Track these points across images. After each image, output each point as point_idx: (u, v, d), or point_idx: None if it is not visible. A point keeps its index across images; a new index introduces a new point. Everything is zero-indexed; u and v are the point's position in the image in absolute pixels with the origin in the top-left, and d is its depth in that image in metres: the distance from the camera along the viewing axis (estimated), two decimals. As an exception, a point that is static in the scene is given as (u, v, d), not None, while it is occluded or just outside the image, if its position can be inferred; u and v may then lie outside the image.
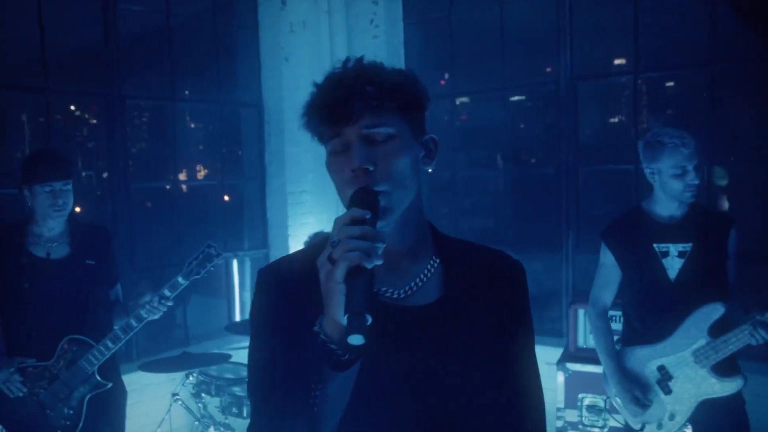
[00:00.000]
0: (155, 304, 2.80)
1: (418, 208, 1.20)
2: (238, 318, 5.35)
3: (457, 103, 5.29)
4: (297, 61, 5.23)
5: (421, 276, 1.18)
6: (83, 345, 2.79)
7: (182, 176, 5.19)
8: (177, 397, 3.82)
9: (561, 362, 3.76)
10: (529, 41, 4.89)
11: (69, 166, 2.79)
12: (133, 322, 2.81)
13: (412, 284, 1.17)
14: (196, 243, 4.73)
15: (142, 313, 2.81)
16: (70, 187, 2.76)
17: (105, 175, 4.50)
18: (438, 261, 1.21)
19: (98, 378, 2.79)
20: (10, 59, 3.92)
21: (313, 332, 0.97)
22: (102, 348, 2.77)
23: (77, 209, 3.56)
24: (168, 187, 4.99)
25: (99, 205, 4.54)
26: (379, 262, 0.92)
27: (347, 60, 1.14)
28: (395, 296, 1.16)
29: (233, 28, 5.35)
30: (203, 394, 3.86)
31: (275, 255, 5.04)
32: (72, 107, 4.85)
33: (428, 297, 1.16)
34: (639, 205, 2.82)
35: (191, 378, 3.83)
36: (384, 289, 1.16)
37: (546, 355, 4.50)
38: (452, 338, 1.13)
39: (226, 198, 5.39)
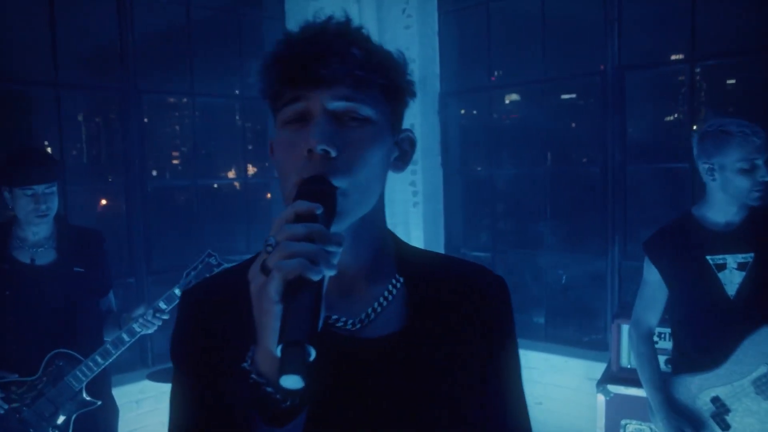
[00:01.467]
0: (149, 318, 2.57)
1: (379, 216, 0.99)
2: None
3: (507, 101, 4.96)
4: (325, 53, 4.96)
5: (381, 300, 0.97)
6: (71, 360, 2.58)
7: (208, 175, 5.00)
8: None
9: (602, 383, 3.39)
10: (572, 30, 4.58)
11: (53, 167, 2.57)
12: (125, 337, 2.58)
13: (370, 311, 0.96)
14: (218, 245, 4.55)
15: (135, 326, 2.58)
16: (54, 189, 2.56)
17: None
18: (401, 281, 0.99)
19: (86, 396, 2.58)
20: (17, 53, 3.77)
21: (242, 370, 0.75)
22: (91, 363, 2.56)
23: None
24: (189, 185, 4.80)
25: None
26: (331, 272, 0.72)
27: (330, 17, 0.91)
28: (348, 326, 0.94)
29: (258, 19, 5.15)
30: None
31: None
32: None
33: (389, 326, 0.95)
34: (689, 211, 2.45)
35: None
36: (334, 317, 0.94)
37: (586, 370, 4.19)
38: (420, 378, 0.92)
39: (249, 197, 5.19)
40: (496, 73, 4.95)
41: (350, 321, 0.94)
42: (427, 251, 1.09)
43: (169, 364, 3.45)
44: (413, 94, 0.97)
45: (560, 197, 4.72)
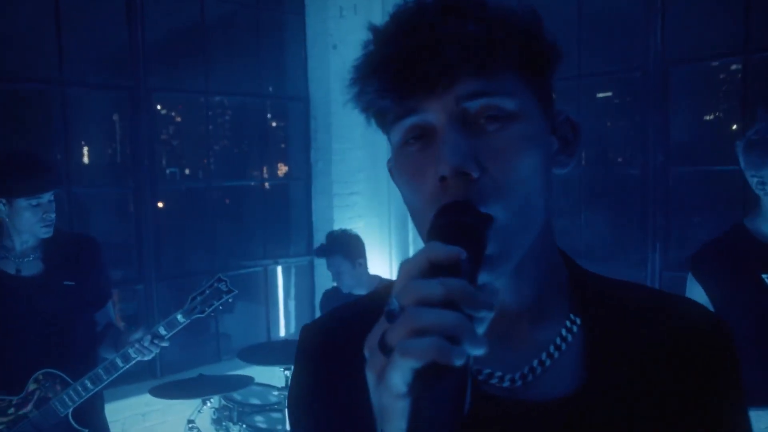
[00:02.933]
0: (146, 344, 2.36)
1: (548, 238, 0.76)
2: (282, 333, 4.94)
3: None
4: (346, 48, 4.78)
5: (551, 349, 0.74)
6: (58, 381, 2.36)
7: (218, 175, 4.82)
8: (193, 425, 3.39)
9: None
10: (611, 23, 4.31)
11: (54, 173, 2.42)
12: (119, 362, 2.37)
13: (536, 363, 0.73)
14: (233, 248, 4.35)
15: (131, 352, 2.37)
16: (53, 197, 2.38)
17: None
18: (579, 322, 0.76)
19: (72, 423, 2.36)
20: (23, 52, 3.62)
21: None
22: (79, 388, 2.34)
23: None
24: (202, 187, 4.63)
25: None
26: (479, 352, 0.49)
27: None
28: (506, 383, 0.72)
29: (277, 14, 4.96)
30: (225, 422, 3.43)
31: (320, 263, 4.59)
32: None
33: (562, 384, 0.72)
34: (741, 223, 2.20)
35: (209, 404, 3.39)
36: (486, 371, 0.72)
37: None
38: None
39: (268, 199, 5.01)
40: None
41: (508, 376, 0.72)
42: (616, 280, 0.83)
43: (178, 377, 3.21)
44: (559, 55, 0.72)
45: (595, 201, 4.47)
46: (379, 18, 4.56)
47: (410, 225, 4.83)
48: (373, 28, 0.68)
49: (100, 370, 2.36)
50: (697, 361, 0.74)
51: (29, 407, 2.34)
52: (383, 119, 0.70)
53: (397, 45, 0.65)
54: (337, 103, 4.77)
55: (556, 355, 0.73)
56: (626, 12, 4.14)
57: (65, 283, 2.41)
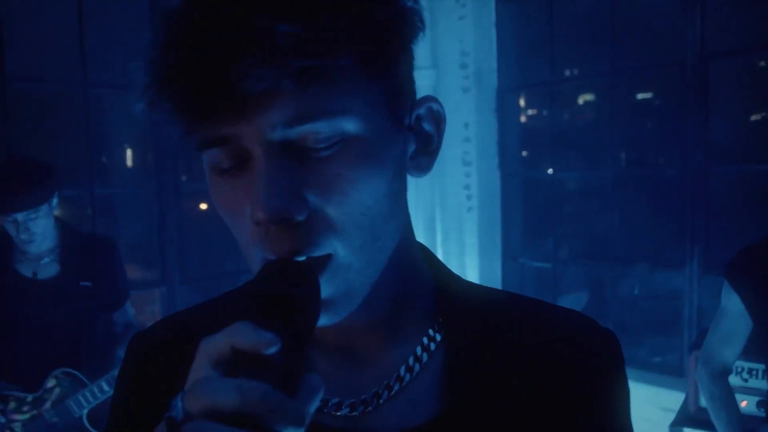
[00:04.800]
0: None
1: (404, 252, 0.64)
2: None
3: (576, 98, 4.54)
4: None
5: (402, 371, 0.63)
6: (75, 381, 2.36)
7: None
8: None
9: (677, 425, 2.92)
10: (647, 16, 4.11)
11: (38, 189, 2.28)
12: None
13: (382, 388, 0.62)
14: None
15: None
16: (41, 212, 2.29)
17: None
18: (438, 339, 0.65)
19: (87, 425, 2.33)
20: (46, 50, 3.62)
21: None
22: (95, 390, 2.33)
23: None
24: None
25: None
26: None
27: None
28: (344, 412, 0.61)
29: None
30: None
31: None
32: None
33: (417, 412, 0.61)
34: None
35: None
36: (323, 398, 0.62)
37: (657, 397, 3.77)
38: None
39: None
40: (559, 67, 4.52)
41: (348, 402, 0.62)
42: (489, 289, 0.72)
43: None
44: (421, 27, 0.57)
45: (632, 202, 4.27)
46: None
47: (438, 227, 4.73)
48: (160, 16, 0.52)
49: (116, 372, 2.32)
50: (574, 378, 0.64)
51: (47, 405, 2.33)
52: (187, 139, 0.54)
53: (190, 50, 0.49)
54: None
55: (407, 377, 0.62)
56: (662, 4, 3.96)
57: (81, 283, 2.42)
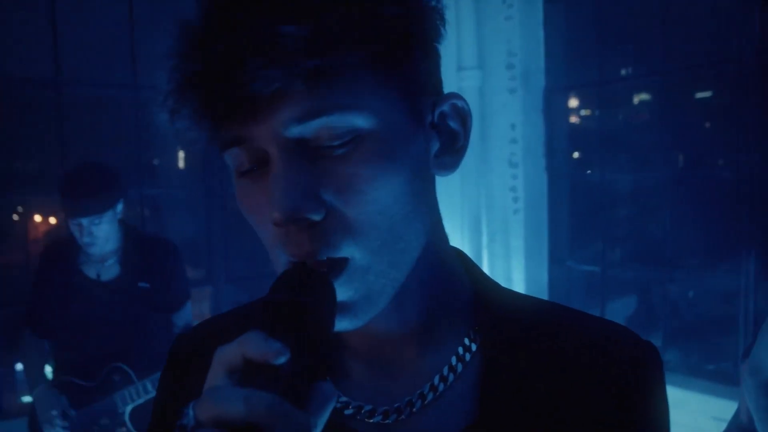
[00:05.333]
0: None
1: (437, 256, 0.63)
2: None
3: (631, 97, 4.46)
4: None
5: (436, 380, 0.62)
6: (125, 378, 2.44)
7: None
8: None
9: (733, 435, 2.82)
10: (701, 13, 3.99)
11: (103, 196, 2.36)
12: None
13: (415, 396, 0.61)
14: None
15: None
16: (105, 218, 2.37)
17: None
18: (474, 349, 0.64)
19: (128, 422, 2.38)
20: (97, 55, 3.71)
21: None
22: (140, 388, 2.39)
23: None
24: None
25: None
26: None
27: None
28: (377, 419, 0.61)
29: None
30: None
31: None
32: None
33: (447, 422, 0.61)
34: None
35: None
36: (355, 404, 0.62)
37: (709, 406, 3.67)
38: None
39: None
40: (609, 66, 4.44)
41: (381, 410, 0.61)
42: (530, 298, 0.70)
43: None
44: (434, 27, 0.56)
45: (685, 204, 4.17)
46: (453, 17, 4.46)
47: (484, 229, 4.69)
48: (179, 25, 0.53)
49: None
50: (612, 390, 0.62)
51: (98, 395, 2.44)
52: (211, 142, 0.56)
53: (202, 57, 0.51)
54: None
55: (441, 387, 0.62)
56: (718, 3, 3.86)
57: (140, 285, 2.49)
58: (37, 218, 4.16)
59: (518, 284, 4.57)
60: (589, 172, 4.58)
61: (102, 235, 2.39)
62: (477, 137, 4.63)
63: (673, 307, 4.25)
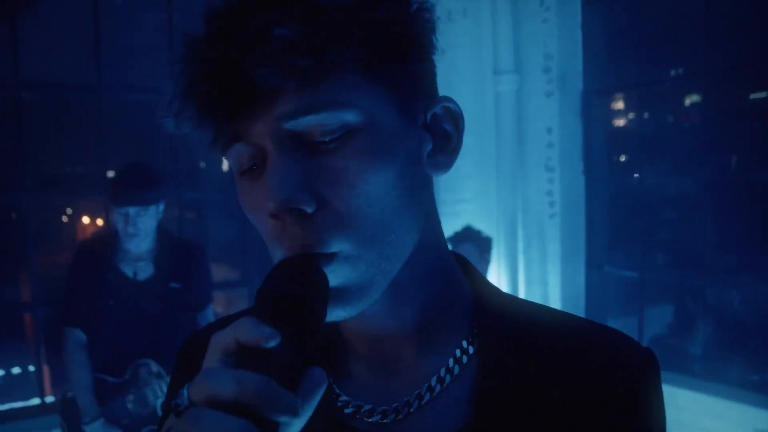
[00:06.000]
0: None
1: (433, 250, 0.66)
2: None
3: (683, 99, 4.39)
4: (454, 53, 4.65)
5: (433, 381, 0.64)
6: (152, 373, 2.60)
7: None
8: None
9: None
10: (746, 12, 3.88)
11: (150, 190, 2.57)
12: None
13: (413, 397, 0.64)
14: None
15: None
16: (149, 212, 2.55)
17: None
18: (471, 351, 0.66)
19: (160, 414, 2.47)
20: (136, 61, 3.80)
21: None
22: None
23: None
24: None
25: None
26: None
27: None
28: (375, 419, 0.64)
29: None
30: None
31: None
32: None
33: (443, 423, 0.63)
34: None
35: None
36: (355, 404, 0.65)
37: (753, 419, 3.59)
38: None
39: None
40: (649, 68, 4.36)
41: (380, 409, 0.64)
42: (530, 303, 0.72)
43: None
44: (425, 30, 0.59)
45: (730, 209, 4.06)
46: (489, 20, 4.44)
47: (519, 233, 4.65)
48: (184, 35, 0.58)
49: None
50: (609, 396, 0.63)
51: (129, 390, 2.57)
52: (214, 142, 0.59)
53: (202, 61, 0.55)
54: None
55: (438, 388, 0.64)
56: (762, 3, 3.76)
57: (172, 285, 2.64)
58: (85, 220, 4.28)
59: (554, 289, 4.52)
60: (636, 176, 4.50)
61: (144, 228, 2.54)
62: (513, 141, 4.60)
63: (714, 315, 4.15)
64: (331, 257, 0.56)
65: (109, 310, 2.57)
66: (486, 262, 3.71)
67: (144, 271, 2.64)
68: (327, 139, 0.55)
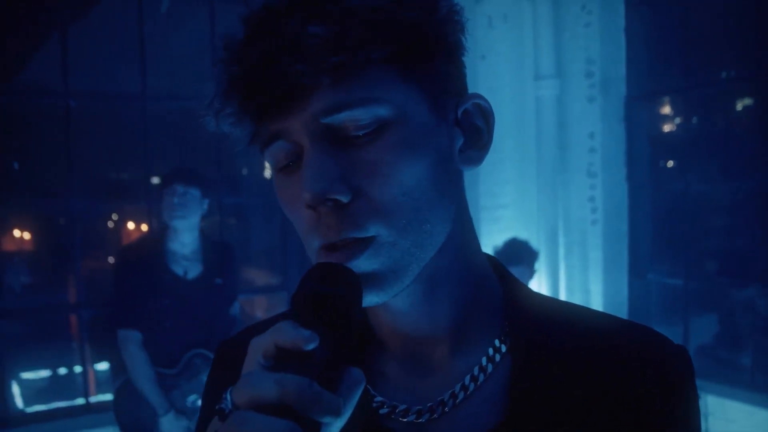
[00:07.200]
0: None
1: (466, 247, 0.67)
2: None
3: (738, 104, 4.29)
4: (495, 58, 4.63)
5: (467, 381, 0.65)
6: (206, 361, 2.77)
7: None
8: None
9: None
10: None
11: (197, 175, 2.84)
12: None
13: (447, 396, 0.64)
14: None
15: None
16: (195, 193, 2.76)
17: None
18: (504, 350, 0.67)
19: None
20: (180, 69, 3.86)
21: None
22: None
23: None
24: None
25: None
26: None
27: None
28: (411, 419, 0.65)
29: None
30: None
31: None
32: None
33: (478, 421, 0.63)
34: None
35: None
36: (390, 403, 0.66)
37: None
38: None
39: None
40: (695, 72, 4.27)
41: (415, 409, 0.65)
42: (562, 302, 0.73)
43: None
44: (461, 29, 0.62)
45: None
46: (530, 25, 4.40)
47: (560, 240, 4.59)
48: (224, 38, 0.59)
49: None
50: (641, 393, 0.63)
51: (182, 380, 2.77)
52: (253, 140, 0.62)
53: (241, 61, 0.57)
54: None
55: (472, 387, 0.65)
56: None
57: (216, 281, 2.89)
58: (130, 225, 4.38)
59: (596, 297, 4.45)
60: (685, 182, 4.40)
61: (189, 211, 2.73)
62: (555, 146, 4.54)
63: (764, 325, 4.02)
64: (369, 242, 0.57)
65: (163, 308, 2.75)
66: (533, 272, 3.66)
67: (192, 269, 2.84)
68: (361, 133, 0.58)
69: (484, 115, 0.66)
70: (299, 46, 0.54)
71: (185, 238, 2.81)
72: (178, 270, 2.83)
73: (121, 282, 2.79)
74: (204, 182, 2.82)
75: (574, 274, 4.56)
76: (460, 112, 0.64)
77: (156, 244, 2.83)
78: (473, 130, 0.66)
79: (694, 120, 4.41)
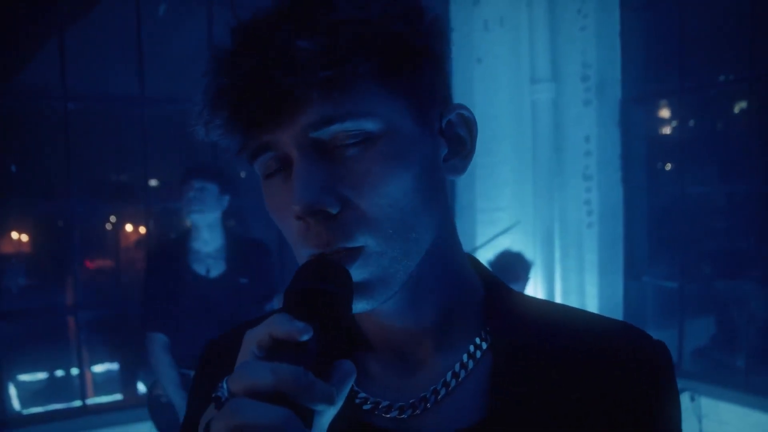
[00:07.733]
0: None
1: (449, 250, 0.69)
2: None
3: (736, 108, 4.32)
4: (491, 62, 4.67)
5: (448, 377, 0.67)
6: None
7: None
8: None
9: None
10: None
11: (215, 171, 2.82)
12: None
13: (429, 392, 0.66)
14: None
15: None
16: (212, 189, 2.74)
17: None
18: (485, 347, 0.68)
19: None
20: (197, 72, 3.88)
21: None
22: None
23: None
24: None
25: None
26: None
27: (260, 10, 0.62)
28: (393, 415, 0.66)
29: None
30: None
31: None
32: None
33: (460, 417, 0.65)
34: None
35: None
36: (373, 400, 0.67)
37: None
38: None
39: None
40: (690, 75, 4.30)
41: (397, 405, 0.66)
42: (542, 300, 0.74)
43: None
44: (445, 40, 0.64)
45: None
46: (526, 29, 4.41)
47: (556, 242, 4.61)
48: (211, 49, 0.60)
49: None
50: (621, 389, 0.64)
51: None
52: (241, 151, 0.62)
53: (230, 73, 0.57)
54: (482, 115, 4.65)
55: (453, 383, 0.66)
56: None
57: (241, 281, 2.83)
58: (128, 227, 4.39)
59: (592, 299, 4.47)
60: (679, 185, 4.42)
61: (207, 206, 2.72)
62: (551, 149, 4.57)
63: (758, 327, 4.05)
64: (357, 252, 0.59)
65: (186, 308, 2.73)
66: (526, 281, 3.65)
67: (215, 268, 2.81)
68: (349, 143, 0.59)
69: (468, 125, 0.67)
70: (289, 60, 0.55)
71: (206, 235, 2.78)
72: (200, 269, 2.80)
73: (147, 283, 2.82)
74: (222, 178, 2.80)
75: (570, 276, 4.58)
76: (444, 122, 0.65)
77: (180, 243, 2.83)
78: (457, 139, 0.67)
79: (690, 123, 4.44)
